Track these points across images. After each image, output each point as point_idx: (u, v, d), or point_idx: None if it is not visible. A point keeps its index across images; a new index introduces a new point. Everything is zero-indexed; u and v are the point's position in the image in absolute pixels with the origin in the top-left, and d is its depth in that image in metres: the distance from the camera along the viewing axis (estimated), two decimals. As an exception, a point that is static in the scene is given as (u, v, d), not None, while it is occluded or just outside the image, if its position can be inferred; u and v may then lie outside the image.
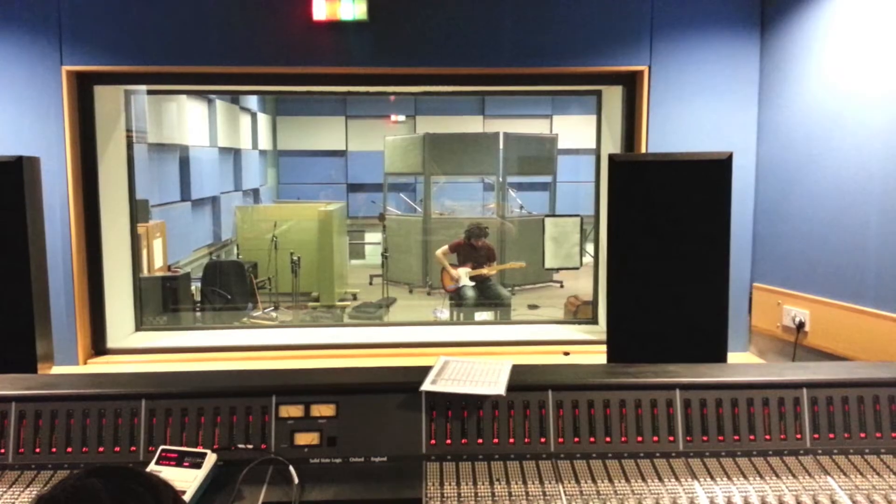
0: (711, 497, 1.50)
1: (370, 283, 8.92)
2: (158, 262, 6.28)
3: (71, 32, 3.07)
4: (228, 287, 6.51)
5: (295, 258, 7.15)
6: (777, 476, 1.56)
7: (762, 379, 1.72)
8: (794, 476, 1.56)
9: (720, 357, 2.20)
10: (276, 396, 1.67)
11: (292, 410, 1.66)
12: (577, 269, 4.19)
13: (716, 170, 2.17)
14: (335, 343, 3.50)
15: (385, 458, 1.63)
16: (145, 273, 5.62)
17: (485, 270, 6.50)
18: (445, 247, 6.76)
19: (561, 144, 9.81)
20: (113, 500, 0.96)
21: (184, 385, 1.72)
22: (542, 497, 1.49)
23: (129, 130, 3.67)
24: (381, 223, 9.21)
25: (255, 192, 12.13)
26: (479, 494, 1.50)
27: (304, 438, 1.64)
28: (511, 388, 1.67)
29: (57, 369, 2.36)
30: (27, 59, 3.06)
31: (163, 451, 1.55)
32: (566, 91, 3.91)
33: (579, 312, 4.53)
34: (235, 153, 10.95)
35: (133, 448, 1.62)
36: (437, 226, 8.96)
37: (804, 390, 1.69)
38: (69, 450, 1.61)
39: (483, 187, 11.93)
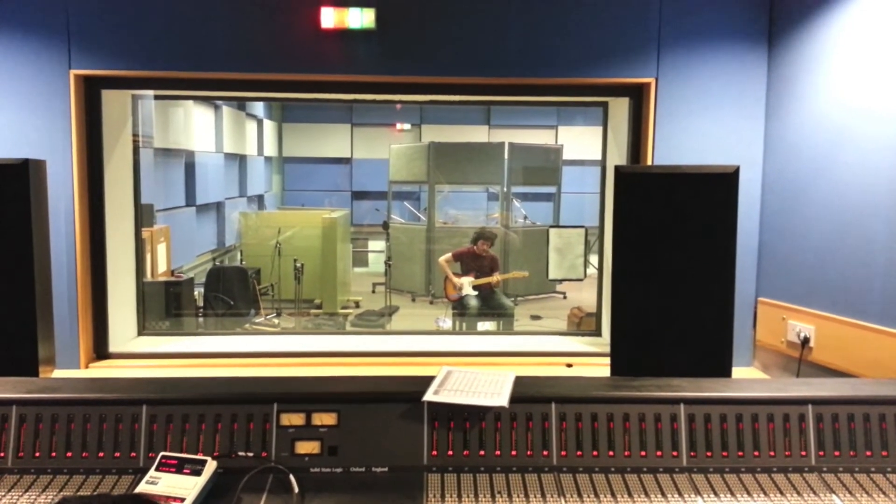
0: (715, 513, 1.48)
1: (373, 291, 8.92)
2: (162, 266, 6.29)
3: (79, 36, 3.08)
4: (231, 293, 6.52)
5: (298, 265, 7.16)
6: (781, 493, 1.54)
7: (767, 395, 1.70)
8: (798, 494, 1.54)
9: (724, 371, 2.18)
10: (278, 404, 1.67)
11: (293, 418, 1.65)
12: (580, 280, 4.19)
13: (722, 183, 2.16)
14: (337, 351, 3.49)
15: (386, 469, 1.61)
16: (149, 278, 5.62)
17: (494, 279, 6.48)
18: (448, 254, 6.73)
19: (566, 155, 9.82)
20: None
21: (185, 391, 1.71)
22: (543, 511, 1.48)
23: (135, 135, 3.68)
24: (384, 231, 9.21)
25: (260, 198, 12.15)
26: (481, 507, 1.49)
27: (305, 447, 1.63)
28: (514, 399, 1.66)
29: (58, 373, 2.36)
30: (35, 62, 3.07)
31: (163, 457, 1.54)
32: (572, 102, 3.91)
33: (583, 324, 4.51)
34: (241, 159, 10.97)
35: (133, 454, 1.61)
36: (441, 235, 8.96)
37: (809, 407, 1.67)
38: (69, 454, 1.60)
39: (487, 197, 11.92)
